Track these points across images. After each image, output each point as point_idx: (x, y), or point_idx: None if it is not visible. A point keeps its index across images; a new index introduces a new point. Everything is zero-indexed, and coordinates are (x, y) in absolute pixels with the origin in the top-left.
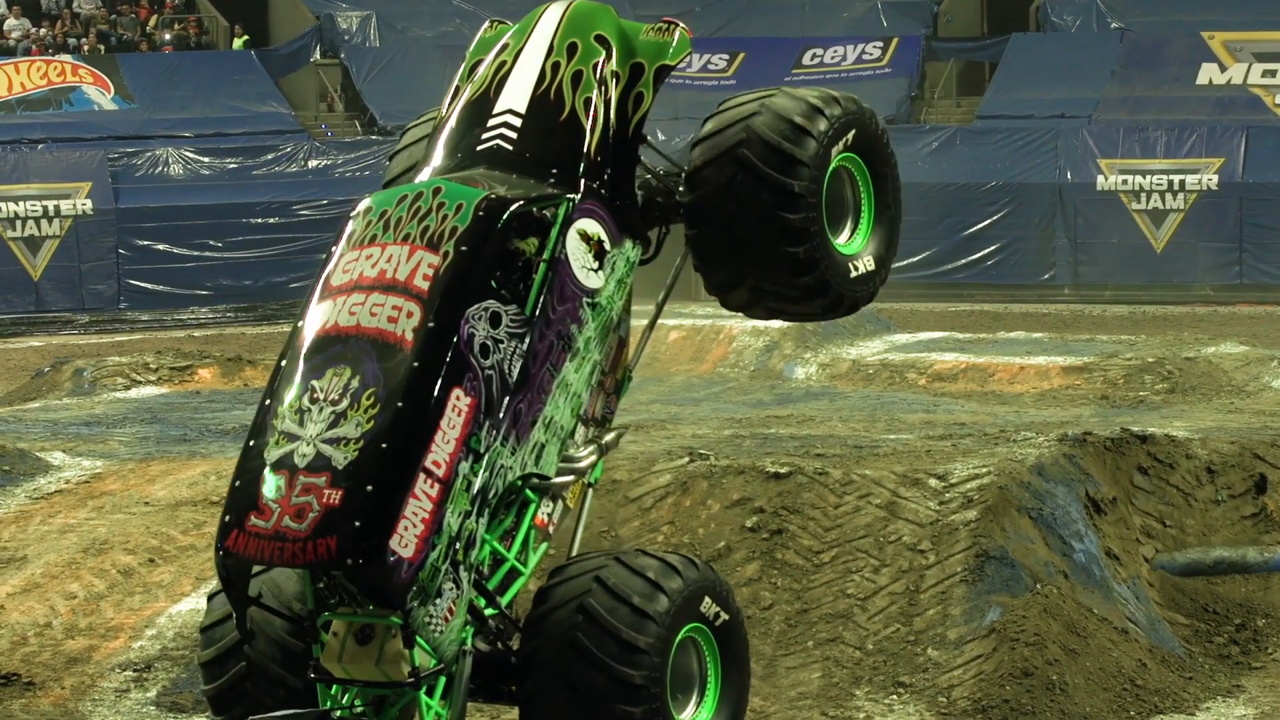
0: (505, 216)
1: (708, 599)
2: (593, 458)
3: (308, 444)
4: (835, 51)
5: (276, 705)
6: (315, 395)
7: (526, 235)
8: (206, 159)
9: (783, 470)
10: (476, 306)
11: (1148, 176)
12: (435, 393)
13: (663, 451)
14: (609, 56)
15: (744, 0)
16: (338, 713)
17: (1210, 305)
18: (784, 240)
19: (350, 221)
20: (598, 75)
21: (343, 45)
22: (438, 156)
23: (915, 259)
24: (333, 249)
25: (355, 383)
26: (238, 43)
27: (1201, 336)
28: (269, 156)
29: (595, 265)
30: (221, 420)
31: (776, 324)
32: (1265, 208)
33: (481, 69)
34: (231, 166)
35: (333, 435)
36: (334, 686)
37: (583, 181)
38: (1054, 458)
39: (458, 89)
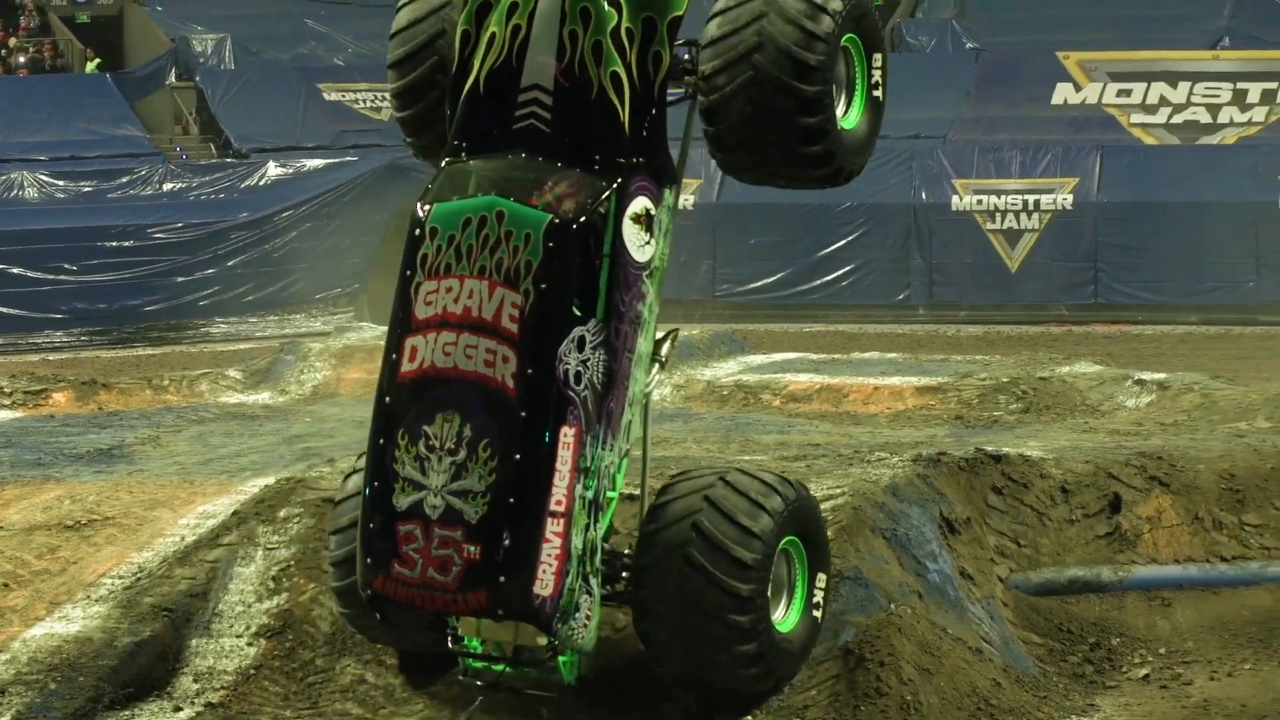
0: (573, 238)
1: (801, 518)
2: (658, 374)
3: (435, 495)
4: None
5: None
6: (431, 442)
7: (592, 246)
8: (61, 182)
9: (638, 492)
10: (565, 342)
11: (1002, 196)
12: (547, 439)
13: None
14: (621, 15)
15: None
16: (478, 665)
17: (1065, 325)
18: (801, 139)
19: (418, 242)
20: (615, 44)
21: (198, 68)
22: (470, 131)
23: (770, 280)
24: (406, 271)
25: (468, 431)
26: (90, 66)
27: (1056, 356)
28: (124, 179)
29: (647, 239)
30: (76, 444)
31: None
32: (1120, 227)
33: (494, 26)
34: (86, 189)
35: (458, 488)
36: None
37: (623, 163)
38: (908, 478)
39: (466, 34)
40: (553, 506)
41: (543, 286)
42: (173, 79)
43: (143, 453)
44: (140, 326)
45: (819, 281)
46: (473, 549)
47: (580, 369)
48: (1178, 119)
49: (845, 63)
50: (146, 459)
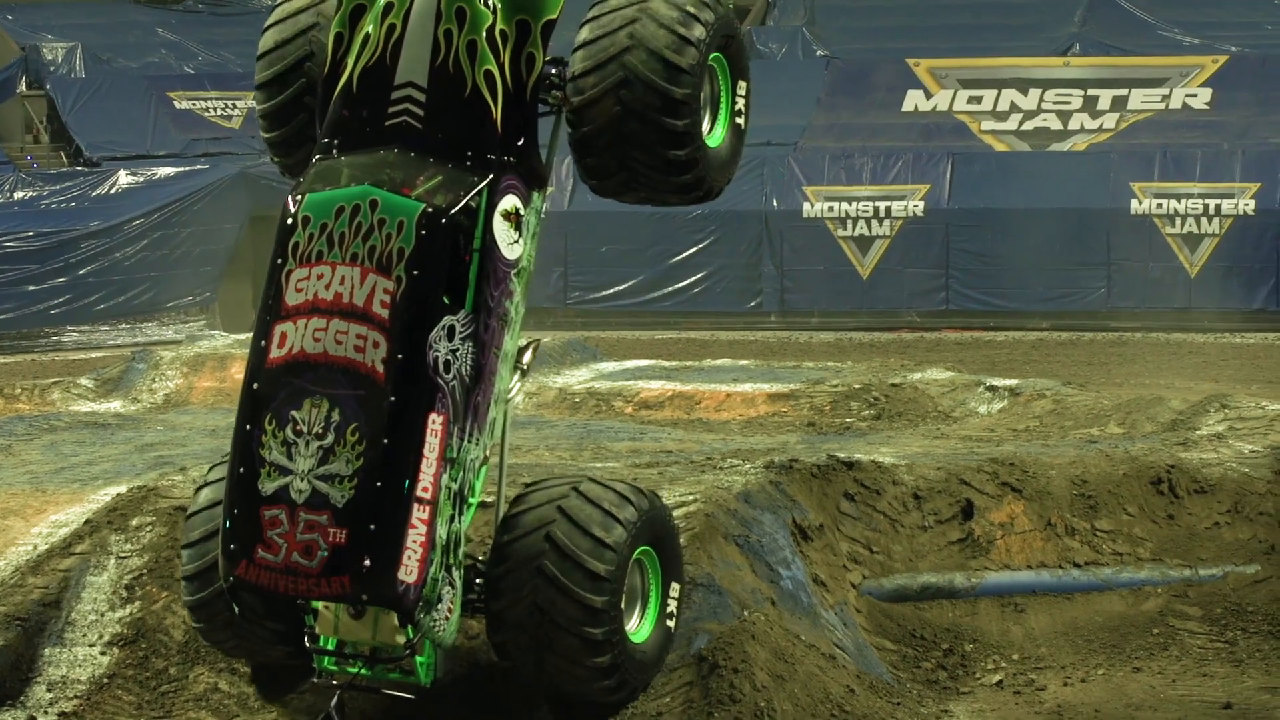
0: (445, 229)
1: (653, 527)
2: (519, 384)
3: (302, 479)
4: None
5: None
6: (298, 427)
7: (464, 239)
8: None
9: (488, 499)
10: (436, 329)
11: (853, 203)
12: (415, 424)
13: None
14: (495, 16)
15: None
16: (333, 666)
17: (917, 331)
18: (668, 144)
19: (290, 230)
20: (489, 43)
21: (48, 76)
22: (343, 128)
23: (622, 287)
24: (276, 259)
25: (336, 415)
26: None
27: (908, 363)
28: None
29: (515, 237)
30: None
31: None
32: (971, 234)
33: (369, 26)
34: None
35: (325, 472)
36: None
37: (494, 160)
38: (760, 485)
39: (340, 36)
40: (419, 493)
41: (415, 273)
42: (23, 87)
43: None
44: None
45: (671, 289)
46: (338, 533)
47: (449, 358)
48: (1028, 126)
49: (710, 81)
50: None
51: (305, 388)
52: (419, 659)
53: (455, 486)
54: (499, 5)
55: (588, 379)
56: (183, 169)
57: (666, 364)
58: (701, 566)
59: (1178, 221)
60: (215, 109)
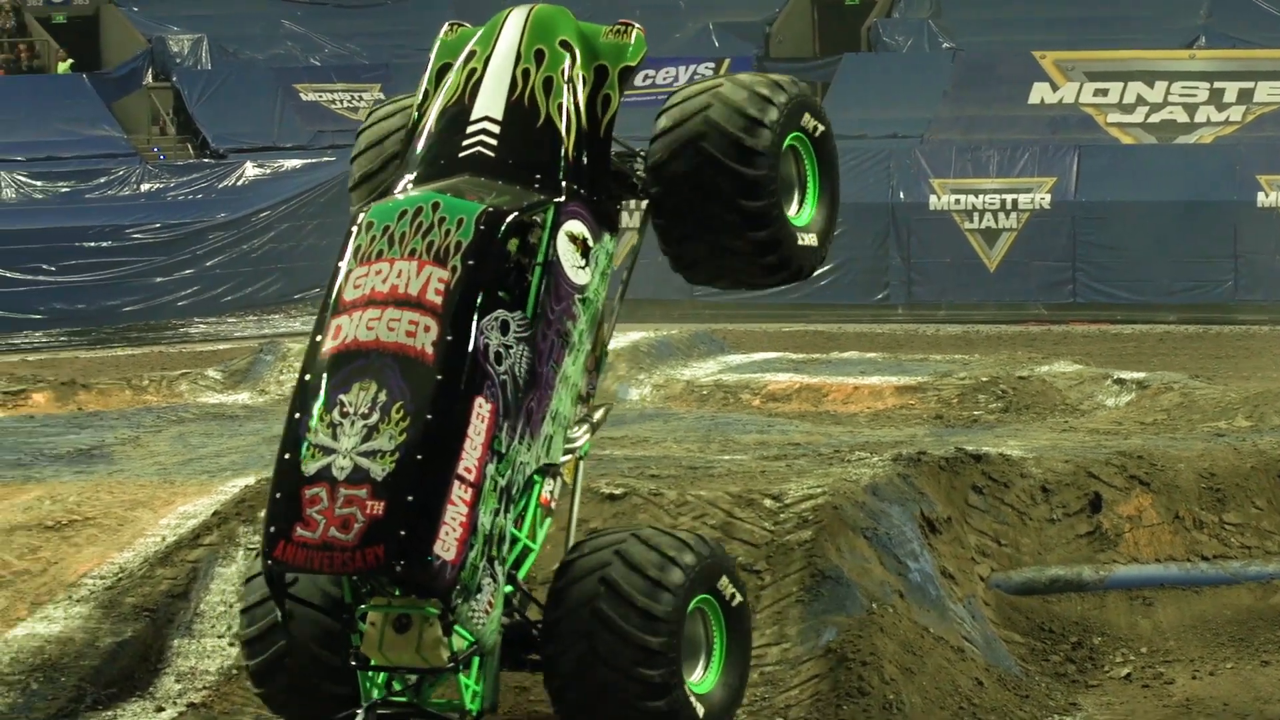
0: (504, 227)
1: (715, 574)
2: (586, 436)
3: (344, 457)
4: (667, 72)
5: (315, 680)
6: (345, 409)
7: (522, 243)
8: (39, 182)
9: (618, 492)
10: (489, 317)
11: (980, 196)
12: (460, 403)
13: None
14: (574, 61)
15: None
16: (380, 693)
17: (1044, 324)
18: (748, 225)
19: (353, 236)
20: (566, 80)
21: (175, 68)
22: (419, 163)
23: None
24: (339, 264)
25: (383, 396)
26: (63, 66)
27: (1035, 355)
28: (101, 180)
29: (583, 263)
30: (55, 444)
31: (611, 345)
32: (1097, 226)
33: (451, 76)
34: (64, 190)
35: (368, 448)
36: (375, 673)
37: (564, 185)
38: (888, 477)
39: (427, 93)
40: (461, 471)
41: (470, 262)
42: (149, 79)
43: (123, 453)
44: (119, 327)
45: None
46: (376, 505)
47: (501, 350)
48: (1154, 118)
49: (796, 161)
50: (127, 459)
51: (355, 372)
52: (466, 682)
53: (502, 481)
54: (578, 51)
55: (715, 371)
56: (309, 161)
57: (794, 356)
58: (830, 559)
59: None
60: (341, 101)
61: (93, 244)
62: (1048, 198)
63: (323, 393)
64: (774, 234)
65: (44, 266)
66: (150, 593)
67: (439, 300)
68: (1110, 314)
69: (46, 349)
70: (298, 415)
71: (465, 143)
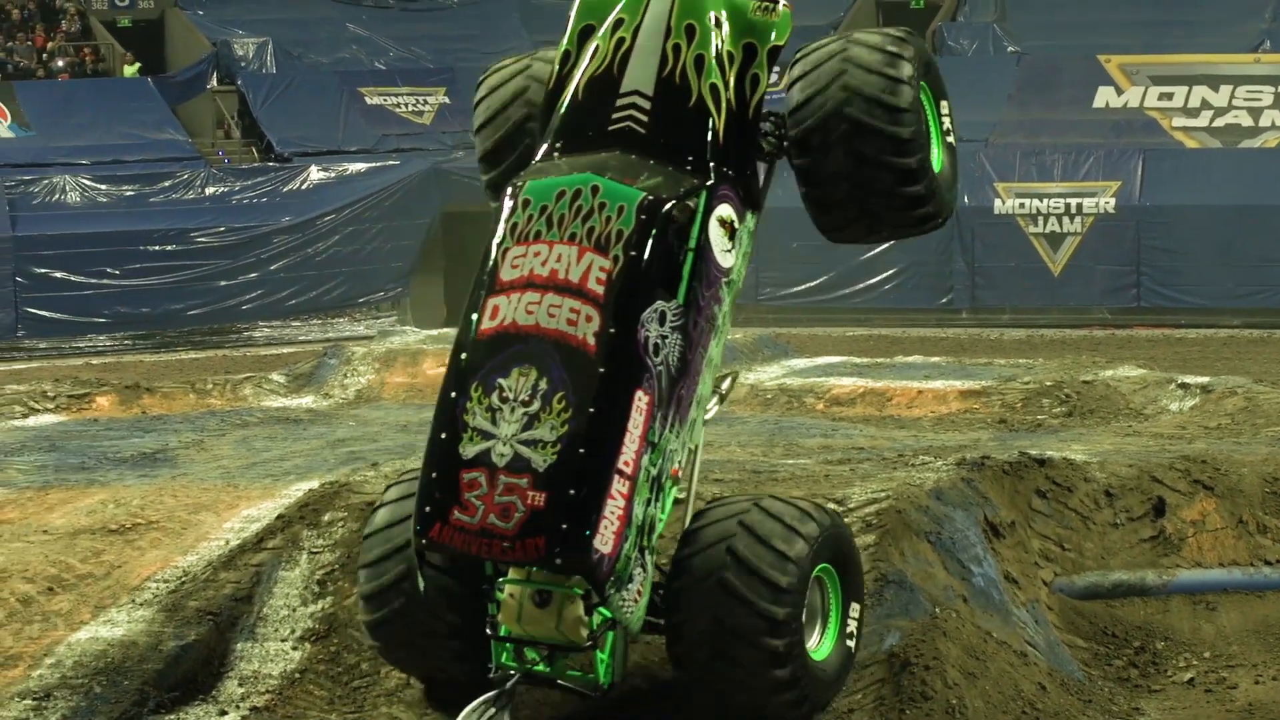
0: (664, 216)
1: (836, 542)
2: (716, 406)
3: (504, 444)
4: None
5: (435, 639)
6: (504, 394)
7: (678, 230)
8: (104, 186)
9: (680, 495)
10: (649, 309)
11: (1045, 200)
12: (621, 397)
13: None
14: (724, 37)
15: None
16: (514, 667)
17: (1108, 328)
18: (901, 182)
19: (508, 211)
20: (716, 59)
21: (239, 72)
22: (566, 132)
23: (812, 284)
24: (493, 241)
25: (543, 384)
26: (129, 70)
27: (1099, 360)
28: (166, 184)
29: (729, 246)
30: (119, 448)
31: None
32: (1162, 230)
33: (599, 42)
34: (129, 194)
35: (529, 437)
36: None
37: (714, 167)
38: (952, 482)
39: (568, 54)
40: (620, 465)
41: (632, 254)
42: (214, 83)
43: (186, 456)
44: (183, 330)
45: (861, 285)
46: (537, 496)
47: (659, 342)
48: (1219, 122)
49: (922, 111)
50: (190, 463)
51: (515, 356)
52: (600, 655)
53: (654, 471)
54: (728, 27)
55: (779, 375)
56: (374, 164)
57: (858, 361)
58: (893, 563)
59: None
60: (406, 104)
61: (157, 248)
62: (1112, 201)
63: (480, 375)
64: (926, 185)
65: (108, 270)
66: (213, 596)
67: (600, 290)
68: (1174, 318)
69: (111, 352)
70: (453, 394)
71: (615, 116)
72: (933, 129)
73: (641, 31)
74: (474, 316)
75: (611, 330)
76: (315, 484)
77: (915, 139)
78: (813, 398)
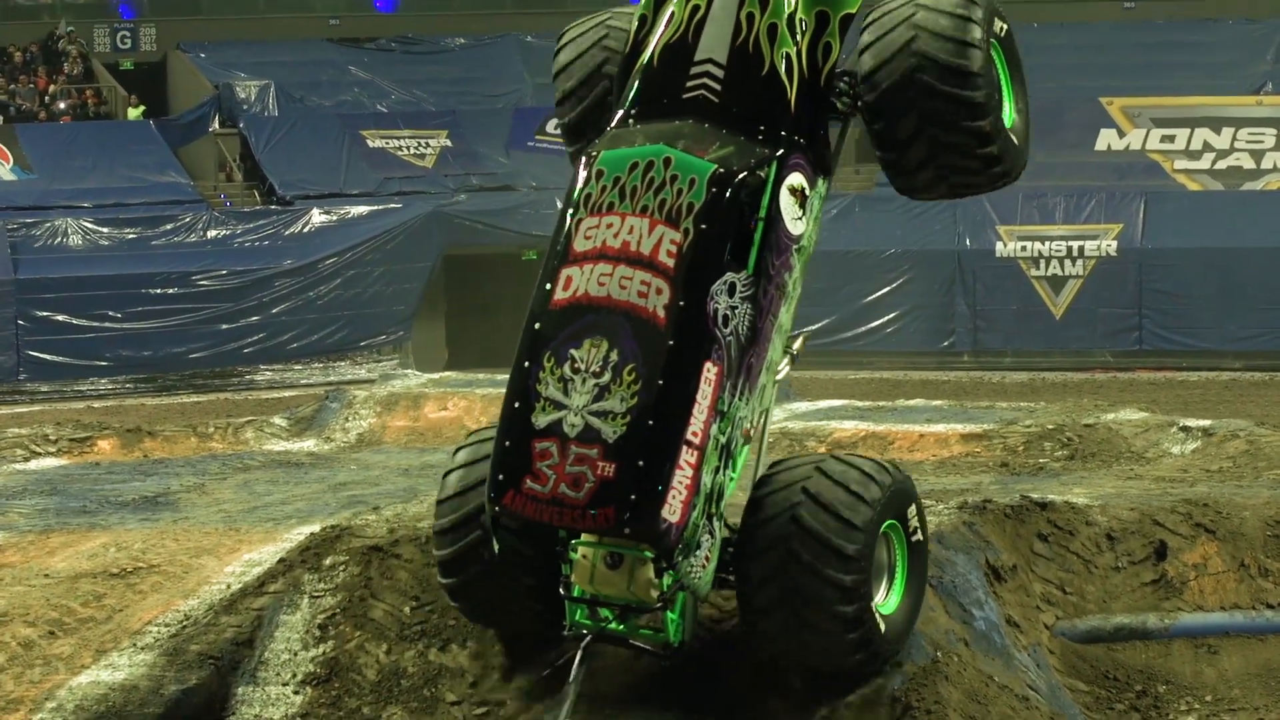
0: (735, 188)
1: (903, 501)
2: (787, 367)
3: (575, 414)
4: None
5: (512, 600)
6: (576, 365)
7: (749, 200)
8: (106, 229)
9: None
10: (719, 281)
11: (1047, 243)
12: (691, 369)
13: None
14: (797, 5)
15: None
16: (588, 626)
17: (1110, 371)
18: (969, 115)
19: (581, 181)
20: (789, 28)
21: (241, 115)
22: (640, 99)
23: (815, 326)
24: (567, 210)
25: (614, 356)
26: (134, 112)
27: (1101, 403)
28: (168, 226)
29: (800, 214)
30: (121, 492)
31: None
32: (1164, 273)
33: (674, 8)
34: (131, 237)
35: (599, 408)
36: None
37: (785, 136)
38: (954, 525)
39: (644, 19)
40: (689, 436)
41: (703, 227)
42: (216, 125)
43: (188, 500)
44: (185, 374)
45: (864, 328)
46: (607, 466)
47: (728, 313)
48: (1221, 165)
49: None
50: (192, 506)
51: (587, 327)
52: (670, 615)
53: (723, 439)
54: None
55: (781, 418)
56: (376, 207)
57: (860, 404)
58: None
59: None
60: (408, 147)
61: (159, 291)
62: (1114, 244)
63: (553, 345)
64: (1000, 145)
65: (110, 313)
66: (215, 640)
67: (671, 263)
68: (1176, 361)
69: (113, 396)
70: (527, 364)
71: (689, 84)
72: (1004, 85)
73: (716, 1)
74: (548, 286)
75: (681, 303)
76: (316, 528)
77: (987, 101)
78: (814, 441)
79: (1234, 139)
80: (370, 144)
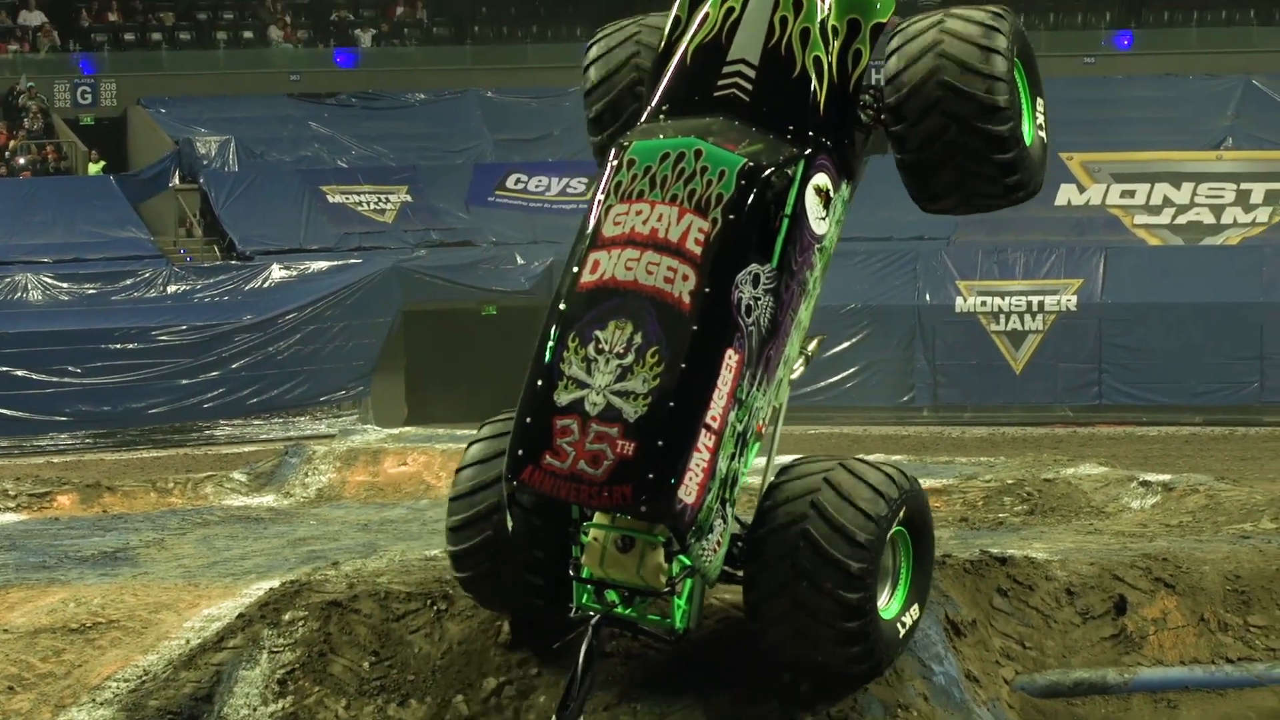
0: (763, 182)
1: (914, 507)
2: (801, 367)
3: (597, 393)
4: None
5: (519, 576)
6: (600, 346)
7: (775, 196)
8: (65, 284)
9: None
10: (744, 271)
11: (1006, 298)
12: (713, 354)
13: None
14: (829, 12)
15: None
16: (594, 608)
17: (1070, 426)
18: (994, 148)
19: (613, 170)
20: (821, 33)
21: (202, 170)
22: (673, 96)
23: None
24: (598, 196)
25: (638, 338)
26: (94, 168)
27: (1061, 458)
28: (128, 282)
29: (824, 214)
30: (80, 547)
31: None
32: (1124, 328)
33: (709, 9)
34: (90, 292)
35: (621, 388)
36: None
37: (813, 137)
38: None
39: (679, 19)
40: (708, 420)
41: (731, 217)
42: (176, 181)
43: (147, 555)
44: (144, 429)
45: (823, 383)
46: (627, 445)
47: (751, 303)
48: (1181, 219)
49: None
50: (151, 561)
51: (612, 309)
52: (677, 601)
53: (740, 427)
54: (833, 1)
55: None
56: (336, 263)
57: None
58: None
59: None
60: (368, 203)
61: (119, 346)
62: (1074, 299)
63: (578, 325)
64: (1017, 154)
65: (70, 368)
66: (174, 695)
67: (698, 251)
68: (1136, 415)
69: (72, 451)
70: (551, 344)
71: (721, 83)
72: (1024, 103)
73: (750, 2)
74: (575, 269)
75: (707, 290)
76: (276, 583)
77: (1008, 107)
78: None
79: (1194, 194)
80: (330, 199)
